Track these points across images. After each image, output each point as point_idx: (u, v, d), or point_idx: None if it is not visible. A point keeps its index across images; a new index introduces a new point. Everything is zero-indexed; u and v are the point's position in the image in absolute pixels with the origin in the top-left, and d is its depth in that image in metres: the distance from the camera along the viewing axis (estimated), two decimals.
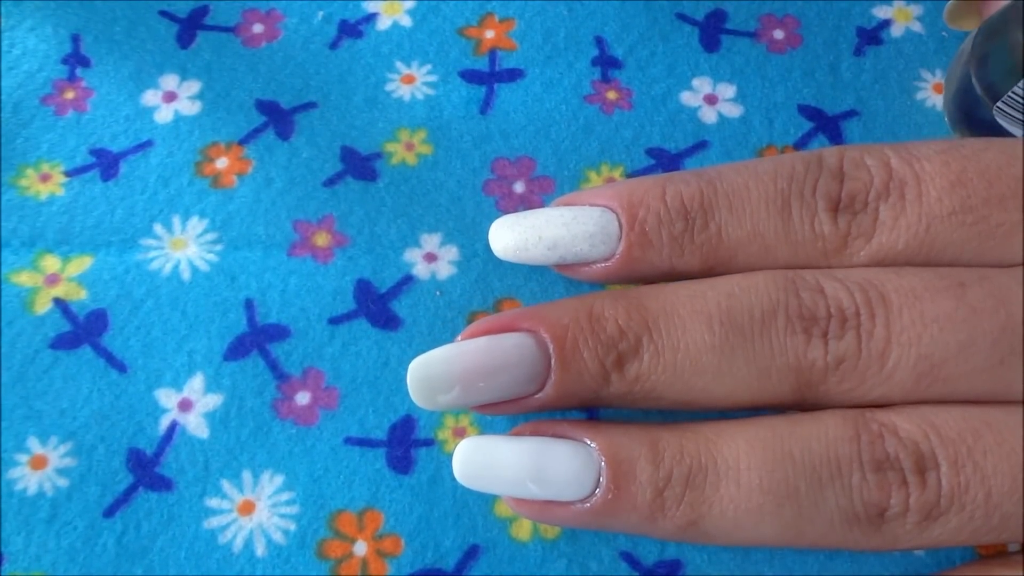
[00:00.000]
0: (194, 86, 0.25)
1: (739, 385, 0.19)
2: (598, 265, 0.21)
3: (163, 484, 0.21)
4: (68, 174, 0.24)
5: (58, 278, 0.23)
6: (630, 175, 0.24)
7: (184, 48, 0.26)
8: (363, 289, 0.23)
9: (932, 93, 0.25)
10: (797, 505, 0.18)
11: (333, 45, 0.26)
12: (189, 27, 0.26)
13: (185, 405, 0.21)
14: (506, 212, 0.23)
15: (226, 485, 0.21)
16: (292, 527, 0.20)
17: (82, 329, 0.22)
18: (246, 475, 0.21)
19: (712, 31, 0.26)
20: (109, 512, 0.20)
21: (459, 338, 0.20)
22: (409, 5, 0.27)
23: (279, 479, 0.21)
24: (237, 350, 0.22)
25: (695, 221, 0.20)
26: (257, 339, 0.22)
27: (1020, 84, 0.20)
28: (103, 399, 0.21)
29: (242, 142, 0.24)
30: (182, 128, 0.25)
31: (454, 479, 0.19)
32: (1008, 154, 0.19)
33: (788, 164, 0.20)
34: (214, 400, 0.21)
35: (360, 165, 0.24)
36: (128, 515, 0.20)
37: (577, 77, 0.25)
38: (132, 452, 0.21)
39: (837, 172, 0.20)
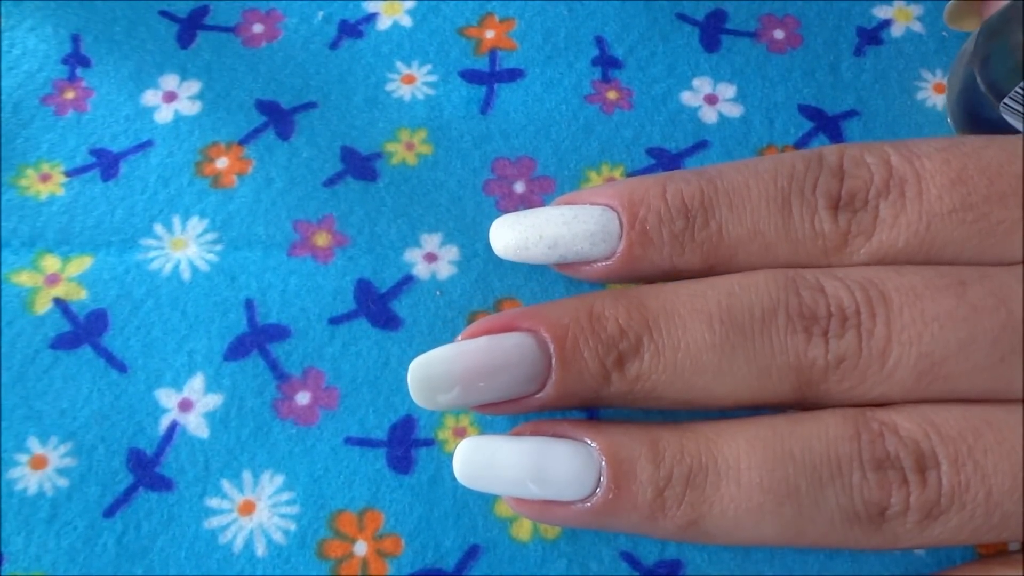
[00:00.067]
0: (194, 86, 0.25)
1: (739, 384, 0.19)
2: (599, 264, 0.21)
3: (163, 484, 0.21)
4: (68, 174, 0.24)
5: (58, 278, 0.23)
6: (630, 175, 0.24)
7: (184, 48, 0.26)
8: (363, 289, 0.22)
9: (932, 93, 0.25)
10: (797, 504, 0.18)
11: (333, 45, 0.26)
12: (189, 27, 0.26)
13: (185, 405, 0.21)
14: (506, 212, 0.23)
15: (226, 485, 0.21)
16: (292, 527, 0.20)
17: (82, 329, 0.22)
18: (246, 475, 0.21)
19: (712, 31, 0.26)
20: (109, 512, 0.20)
21: (459, 338, 0.20)
22: (409, 5, 0.27)
23: (279, 479, 0.21)
24: (237, 350, 0.22)
25: (696, 219, 0.20)
26: (257, 339, 0.22)
27: None
28: (103, 399, 0.21)
29: (242, 142, 0.24)
30: (182, 128, 0.25)
31: (454, 479, 0.19)
32: (1009, 151, 0.19)
33: (788, 162, 0.20)
34: (214, 400, 0.21)
35: (360, 165, 0.24)
36: (128, 515, 0.20)
37: (577, 77, 0.25)
38: (132, 452, 0.21)
39: (837, 170, 0.20)
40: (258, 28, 0.26)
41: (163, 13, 0.26)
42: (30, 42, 0.26)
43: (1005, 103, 0.21)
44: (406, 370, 0.19)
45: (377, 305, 0.22)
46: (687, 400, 0.19)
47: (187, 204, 0.24)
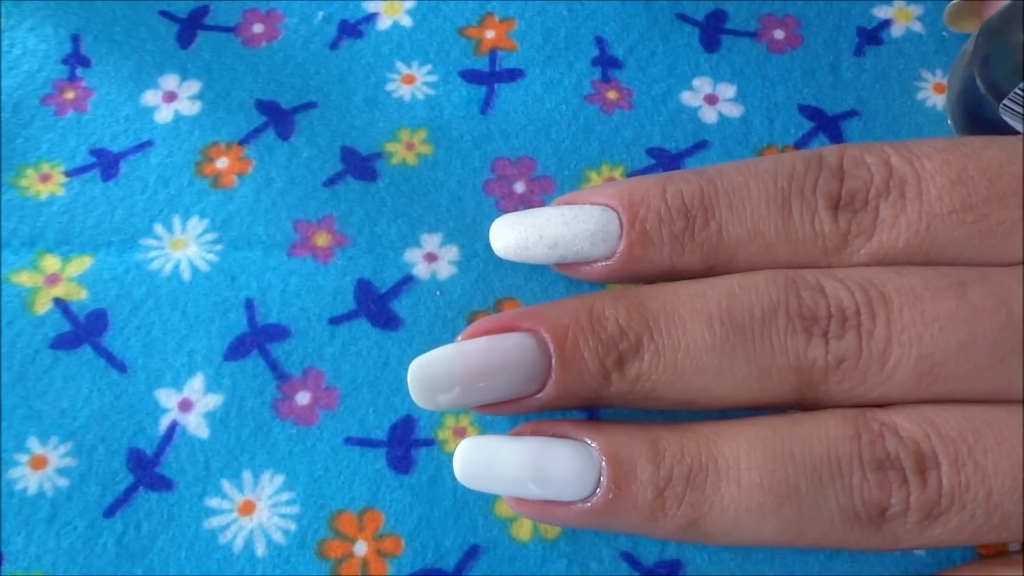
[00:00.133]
0: (194, 86, 0.25)
1: (740, 385, 0.19)
2: (599, 264, 0.21)
3: (163, 484, 0.21)
4: (68, 174, 0.24)
5: (58, 278, 0.23)
6: (630, 175, 0.24)
7: (184, 48, 0.26)
8: (363, 289, 0.22)
9: (932, 93, 0.25)
10: (798, 504, 0.18)
11: (333, 45, 0.26)
12: (189, 27, 0.26)
13: (185, 405, 0.21)
14: (506, 212, 0.23)
15: (226, 485, 0.21)
16: (292, 527, 0.20)
17: (82, 329, 0.22)
18: (246, 475, 0.21)
19: (712, 31, 0.26)
20: (109, 512, 0.20)
21: (459, 338, 0.20)
22: (409, 5, 0.27)
23: (279, 479, 0.21)
24: (237, 350, 0.22)
25: (696, 219, 0.20)
26: (257, 339, 0.22)
27: None
28: (103, 399, 0.21)
29: (242, 142, 0.24)
30: (182, 128, 0.25)
31: (454, 479, 0.19)
32: (1009, 152, 0.19)
33: (788, 163, 0.20)
34: (214, 400, 0.21)
35: (360, 165, 0.24)
36: (128, 515, 0.20)
37: (577, 77, 0.25)
38: (132, 452, 0.21)
39: (837, 170, 0.20)
40: (258, 28, 0.26)
41: (163, 13, 0.26)
42: (30, 42, 0.26)
43: (1005, 104, 0.21)
44: (406, 370, 0.19)
45: (377, 305, 0.22)
46: (687, 400, 0.19)
47: (187, 204, 0.24)
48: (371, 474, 0.21)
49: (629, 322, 0.19)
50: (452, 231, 0.23)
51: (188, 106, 0.25)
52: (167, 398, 0.21)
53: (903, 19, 0.26)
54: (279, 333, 0.22)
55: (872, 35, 0.26)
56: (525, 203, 0.24)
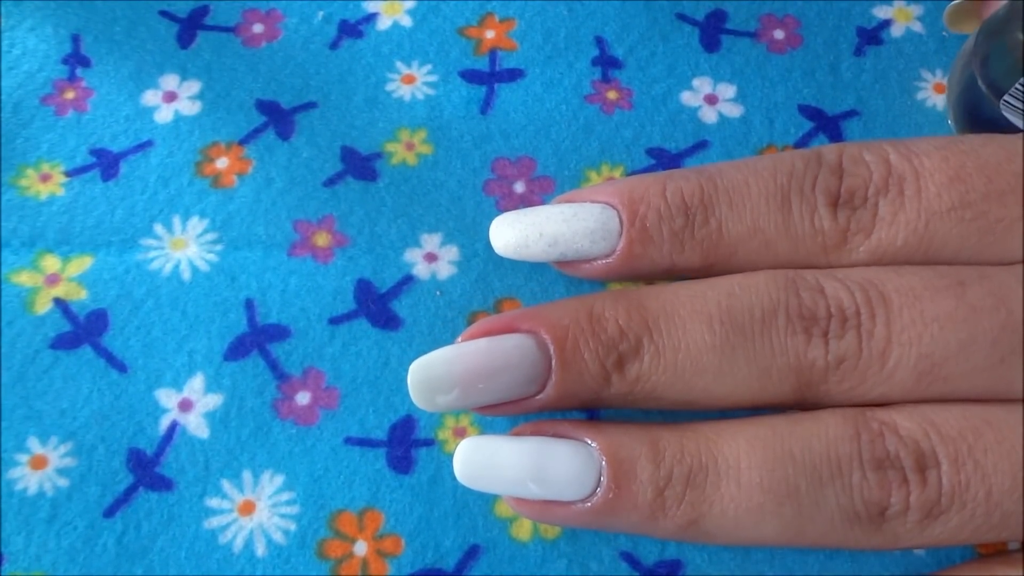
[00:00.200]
0: (194, 86, 0.25)
1: (740, 385, 0.19)
2: (599, 262, 0.21)
3: (163, 484, 0.21)
4: (68, 174, 0.24)
5: (58, 278, 0.23)
6: (630, 175, 0.24)
7: (184, 48, 0.26)
8: (363, 289, 0.22)
9: (932, 93, 0.25)
10: (798, 504, 0.18)
11: (333, 45, 0.26)
12: (189, 27, 0.26)
13: (185, 405, 0.21)
14: (506, 212, 0.23)
15: (226, 485, 0.21)
16: (292, 527, 0.20)
17: (82, 329, 0.22)
18: (246, 475, 0.21)
19: (712, 31, 0.26)
20: (109, 512, 0.20)
21: (459, 339, 0.20)
22: (409, 5, 0.27)
23: (279, 479, 0.21)
24: (237, 350, 0.22)
25: (695, 217, 0.20)
26: (257, 339, 0.22)
27: None
28: (103, 399, 0.21)
29: (242, 142, 0.24)
30: (182, 128, 0.25)
31: (454, 479, 0.19)
32: (1008, 149, 0.19)
33: (788, 161, 0.20)
34: (214, 400, 0.21)
35: (360, 165, 0.24)
36: (128, 515, 0.20)
37: (577, 77, 0.25)
38: (132, 452, 0.21)
39: (836, 168, 0.20)
40: (258, 28, 0.26)
41: (163, 13, 0.26)
42: (30, 42, 0.26)
43: (1005, 100, 0.21)
44: (406, 370, 0.19)
45: (377, 305, 0.22)
46: (687, 401, 0.19)
47: (187, 204, 0.24)
48: (371, 474, 0.21)
49: (629, 323, 0.19)
50: (452, 231, 0.23)
51: (188, 106, 0.25)
52: (167, 398, 0.21)
53: (903, 19, 0.26)
54: (279, 333, 0.22)
55: (872, 35, 0.26)
56: (525, 203, 0.24)
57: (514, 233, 0.21)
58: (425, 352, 0.19)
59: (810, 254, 0.20)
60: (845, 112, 0.25)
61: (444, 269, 0.23)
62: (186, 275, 0.23)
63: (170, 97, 0.25)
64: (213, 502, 0.20)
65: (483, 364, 0.19)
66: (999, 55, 0.21)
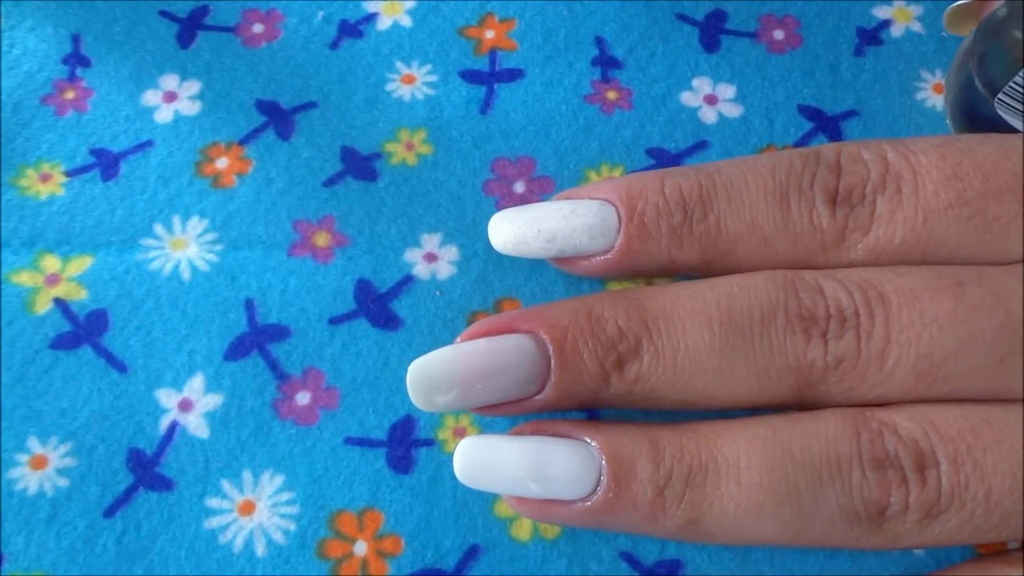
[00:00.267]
0: (194, 86, 0.25)
1: (739, 385, 0.19)
2: (597, 258, 0.21)
3: (163, 484, 0.21)
4: (68, 174, 0.24)
5: (58, 278, 0.23)
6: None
7: (184, 48, 0.26)
8: (363, 289, 0.23)
9: (932, 93, 0.25)
10: (797, 503, 0.18)
11: (333, 45, 0.26)
12: (189, 27, 0.26)
13: (185, 405, 0.21)
14: None
15: (226, 485, 0.21)
16: (292, 527, 0.20)
17: (82, 329, 0.22)
18: (246, 475, 0.21)
19: (712, 31, 0.26)
20: (109, 512, 0.20)
21: (458, 340, 0.20)
22: (409, 5, 0.27)
23: (279, 479, 0.21)
24: (237, 350, 0.22)
25: (694, 212, 0.20)
26: (257, 339, 0.22)
27: (1021, 74, 0.20)
28: (103, 399, 0.21)
29: (242, 142, 0.24)
30: (182, 128, 0.25)
31: (454, 479, 0.19)
32: (1005, 148, 0.19)
33: (786, 159, 0.20)
34: (214, 400, 0.21)
35: (360, 165, 0.24)
36: (128, 515, 0.20)
37: (577, 77, 0.25)
38: (132, 452, 0.21)
39: (834, 166, 0.20)
40: (258, 28, 0.26)
41: (163, 13, 0.26)
42: (30, 42, 0.26)
43: (999, 99, 0.21)
44: (406, 370, 0.19)
45: (377, 305, 0.22)
46: (686, 401, 0.19)
47: (187, 204, 0.24)
48: (371, 474, 0.21)
49: (628, 323, 0.19)
50: (452, 231, 0.23)
51: (188, 106, 0.25)
52: (167, 398, 0.21)
53: (903, 19, 0.26)
54: (279, 333, 0.22)
55: (872, 35, 0.26)
56: (525, 203, 0.23)
57: (513, 229, 0.21)
58: (425, 352, 0.19)
59: (808, 251, 0.20)
60: (845, 112, 0.25)
61: (444, 269, 0.23)
62: (186, 275, 0.23)
63: (170, 97, 0.25)
64: (213, 502, 0.20)
65: (482, 364, 0.19)
66: (996, 54, 0.21)
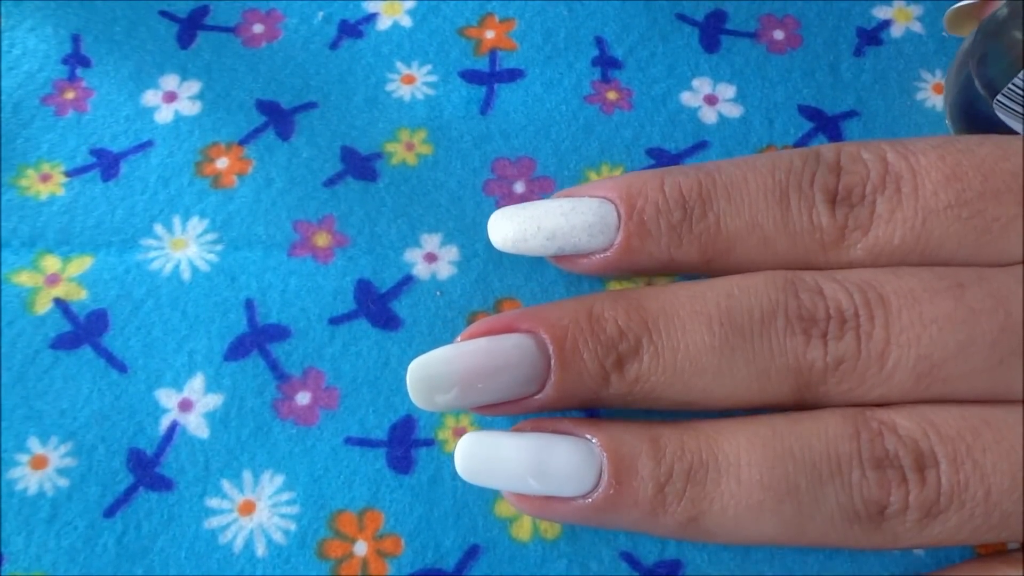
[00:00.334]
0: (194, 86, 0.25)
1: (739, 386, 0.19)
2: (597, 256, 0.21)
3: (163, 484, 0.21)
4: (68, 174, 0.24)
5: (58, 278, 0.23)
6: None
7: (184, 48, 0.26)
8: (363, 289, 0.23)
9: (932, 93, 0.25)
10: (797, 502, 0.18)
11: (333, 45, 0.26)
12: (189, 27, 0.26)
13: (185, 405, 0.21)
14: None
15: (226, 485, 0.21)
16: (292, 527, 0.20)
17: (82, 329, 0.22)
18: (246, 475, 0.21)
19: (712, 31, 0.26)
20: (109, 512, 0.20)
21: (458, 339, 0.20)
22: (409, 5, 0.27)
23: (279, 479, 0.21)
24: (237, 350, 0.22)
25: (693, 211, 0.20)
26: (257, 339, 0.22)
27: (1020, 75, 0.20)
28: (103, 399, 0.21)
29: (242, 142, 0.24)
30: (182, 128, 0.25)
31: (454, 479, 0.19)
32: (1004, 149, 0.19)
33: (786, 158, 0.20)
34: (214, 400, 0.21)
35: (360, 165, 0.24)
36: (128, 515, 0.20)
37: (577, 77, 0.25)
38: (132, 452, 0.21)
39: (834, 166, 0.20)
40: (258, 28, 0.26)
41: (163, 13, 0.26)
42: (30, 42, 0.26)
43: (998, 100, 0.21)
44: (406, 370, 0.19)
45: (377, 305, 0.22)
46: (686, 401, 0.19)
47: (187, 204, 0.24)
48: (371, 474, 0.21)
49: (628, 323, 0.19)
50: (452, 231, 0.23)
51: (188, 106, 0.25)
52: (167, 398, 0.21)
53: (903, 19, 0.26)
54: (279, 333, 0.22)
55: (872, 35, 0.26)
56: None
57: (512, 227, 0.21)
58: (425, 352, 0.19)
59: (808, 251, 0.20)
60: (845, 112, 0.25)
61: (444, 269, 0.23)
62: (186, 275, 0.23)
63: (170, 97, 0.25)
64: (213, 502, 0.20)
65: (482, 364, 0.19)
66: (996, 55, 0.21)
